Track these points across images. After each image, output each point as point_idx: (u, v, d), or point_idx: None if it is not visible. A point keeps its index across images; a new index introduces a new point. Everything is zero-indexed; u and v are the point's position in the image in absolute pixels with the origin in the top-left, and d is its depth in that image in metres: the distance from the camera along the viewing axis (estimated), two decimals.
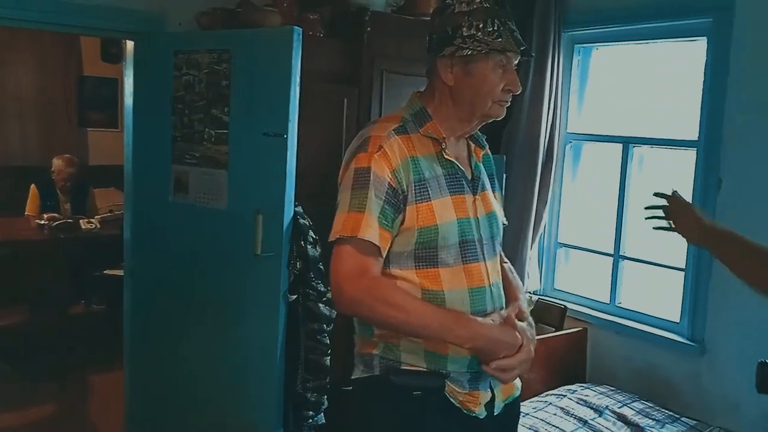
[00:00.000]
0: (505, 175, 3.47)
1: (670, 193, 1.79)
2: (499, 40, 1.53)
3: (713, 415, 2.93)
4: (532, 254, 3.64)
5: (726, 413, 2.90)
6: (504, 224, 1.76)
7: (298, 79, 2.61)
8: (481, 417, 1.56)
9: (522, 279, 3.57)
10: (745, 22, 2.82)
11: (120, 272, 3.51)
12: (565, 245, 3.77)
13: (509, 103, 1.62)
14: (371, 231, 1.47)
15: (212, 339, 2.90)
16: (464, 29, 1.54)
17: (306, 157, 2.77)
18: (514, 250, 3.54)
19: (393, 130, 1.56)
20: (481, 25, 1.53)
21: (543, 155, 3.55)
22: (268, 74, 2.67)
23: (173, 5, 3.17)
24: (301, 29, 2.62)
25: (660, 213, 1.79)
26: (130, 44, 3.20)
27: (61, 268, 4.75)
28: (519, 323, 1.58)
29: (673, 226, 1.76)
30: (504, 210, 3.48)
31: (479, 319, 1.53)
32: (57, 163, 5.17)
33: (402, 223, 1.52)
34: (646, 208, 1.85)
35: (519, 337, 1.54)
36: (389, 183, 1.50)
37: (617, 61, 3.59)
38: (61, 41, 6.30)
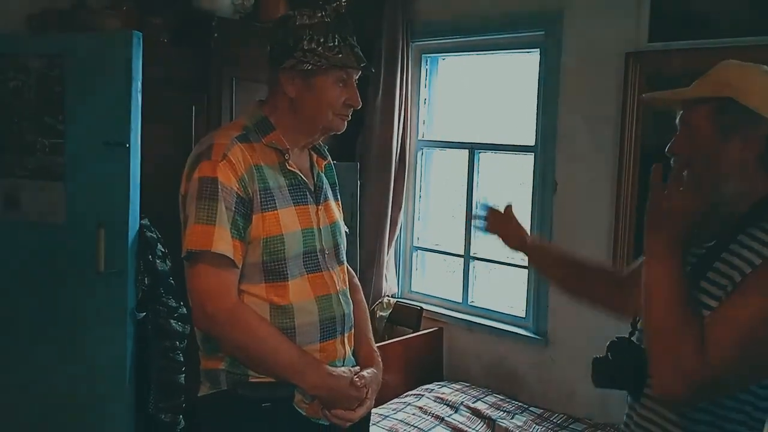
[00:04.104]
0: (359, 182, 3.52)
1: (494, 205, 1.79)
2: (340, 55, 1.54)
3: (556, 403, 3.13)
4: (388, 258, 3.71)
5: (567, 400, 3.12)
6: (346, 232, 1.78)
7: (139, 86, 2.51)
8: (326, 424, 1.57)
9: (380, 283, 3.64)
10: (572, 35, 3.06)
11: None
12: (420, 248, 3.89)
13: (350, 117, 1.64)
14: (224, 244, 1.45)
15: (54, 364, 2.71)
16: (305, 43, 1.53)
17: (152, 166, 2.66)
18: (371, 254, 3.60)
19: (236, 137, 1.53)
20: (321, 40, 1.53)
21: (396, 162, 3.64)
22: (107, 81, 2.54)
23: None
24: (141, 33, 2.53)
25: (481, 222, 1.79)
26: None
27: None
28: (366, 374, 1.62)
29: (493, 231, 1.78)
30: (360, 216, 3.55)
31: (330, 368, 1.55)
32: None
33: (250, 232, 1.51)
34: (473, 216, 1.89)
35: (363, 393, 1.58)
36: (237, 192, 1.48)
37: (463, 70, 3.76)
38: None
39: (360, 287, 1.82)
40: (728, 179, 1.24)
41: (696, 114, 1.27)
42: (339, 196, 1.80)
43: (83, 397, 2.66)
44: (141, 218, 2.61)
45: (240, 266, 1.50)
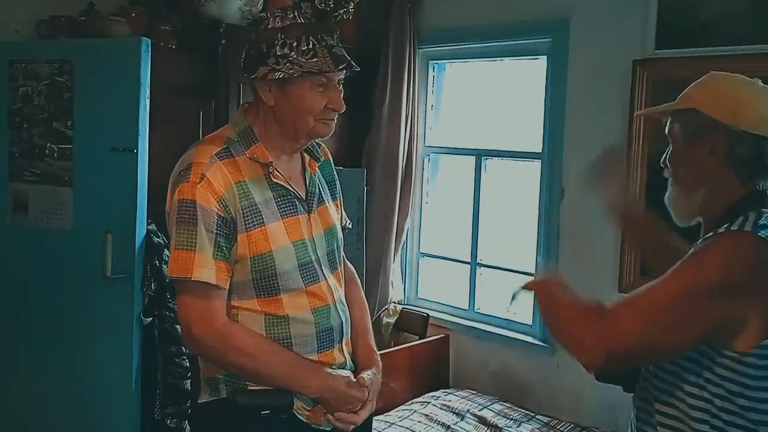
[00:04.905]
0: (366, 188, 3.53)
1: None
2: (314, 60, 1.44)
3: (563, 411, 3.11)
4: (394, 265, 3.71)
5: (573, 408, 3.10)
6: (347, 228, 1.73)
7: (147, 92, 2.52)
8: (328, 430, 1.57)
9: (386, 289, 3.64)
10: (579, 42, 3.05)
11: None
12: (427, 255, 3.88)
13: (335, 121, 1.56)
14: (205, 270, 1.42)
15: (61, 370, 2.71)
16: (277, 48, 1.44)
17: (160, 172, 2.64)
18: (377, 261, 3.60)
19: (215, 154, 1.47)
20: (294, 44, 1.44)
21: (402, 168, 3.64)
22: (116, 86, 2.56)
23: (8, 12, 2.95)
24: (149, 40, 2.54)
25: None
26: None
27: None
28: (366, 374, 1.60)
29: None
30: (366, 222, 3.54)
31: (329, 370, 1.54)
32: None
33: (235, 251, 1.48)
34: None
35: (365, 394, 1.57)
36: (217, 213, 1.43)
37: (469, 77, 3.76)
38: None
39: (359, 284, 1.79)
40: (701, 185, 1.33)
41: (673, 126, 1.38)
42: (339, 194, 1.74)
43: (89, 401, 2.66)
44: (148, 223, 2.61)
45: (226, 286, 1.47)
